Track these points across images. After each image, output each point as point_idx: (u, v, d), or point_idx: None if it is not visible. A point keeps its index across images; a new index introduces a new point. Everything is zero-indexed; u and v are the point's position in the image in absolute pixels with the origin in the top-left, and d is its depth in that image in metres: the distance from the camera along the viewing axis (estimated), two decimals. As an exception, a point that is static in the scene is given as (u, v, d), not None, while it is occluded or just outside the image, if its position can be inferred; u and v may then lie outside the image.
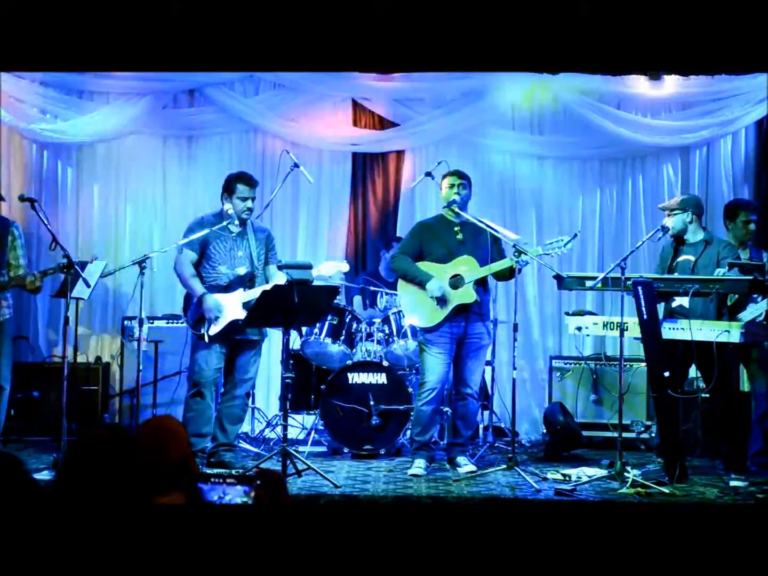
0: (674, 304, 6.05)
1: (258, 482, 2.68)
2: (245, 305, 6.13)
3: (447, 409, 6.76)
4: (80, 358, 7.58)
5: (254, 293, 6.09)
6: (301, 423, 7.54)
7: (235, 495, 2.67)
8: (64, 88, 7.96)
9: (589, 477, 5.87)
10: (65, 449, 5.63)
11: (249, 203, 6.28)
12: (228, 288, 6.23)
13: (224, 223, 6.21)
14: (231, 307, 6.16)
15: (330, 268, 6.50)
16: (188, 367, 6.41)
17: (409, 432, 6.65)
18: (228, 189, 6.31)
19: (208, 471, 5.37)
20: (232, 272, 6.26)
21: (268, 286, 5.97)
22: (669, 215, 6.19)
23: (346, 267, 6.73)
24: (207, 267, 6.27)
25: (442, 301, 6.13)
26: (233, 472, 5.51)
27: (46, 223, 5.99)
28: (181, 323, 6.95)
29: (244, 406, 6.49)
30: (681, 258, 6.18)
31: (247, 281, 6.27)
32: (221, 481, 2.69)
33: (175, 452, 2.96)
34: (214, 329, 6.15)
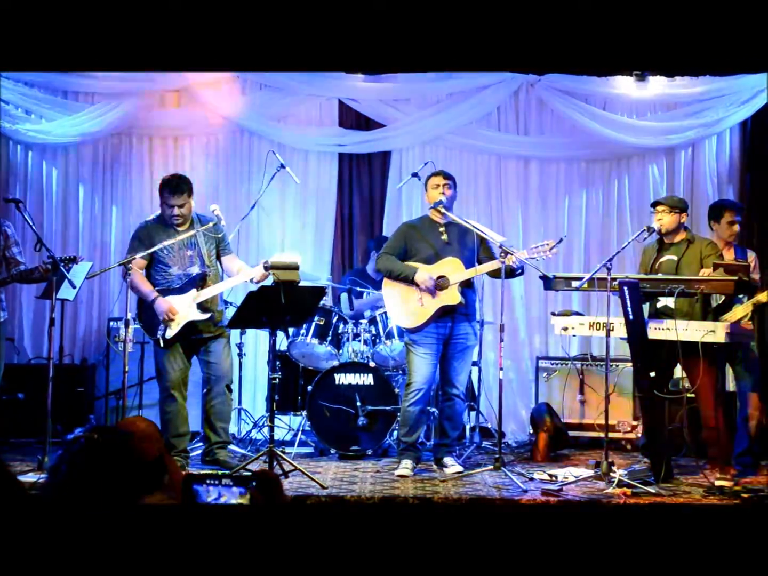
0: (659, 305, 6.07)
1: (254, 483, 2.67)
2: (200, 306, 6.08)
3: (434, 409, 6.77)
4: (65, 359, 7.56)
5: (208, 293, 6.07)
6: (288, 424, 7.52)
7: (231, 497, 2.66)
8: (49, 88, 7.92)
9: (576, 477, 5.88)
10: (55, 451, 5.59)
11: (175, 210, 6.07)
12: (181, 290, 6.11)
13: (193, 232, 6.13)
14: (185, 309, 6.06)
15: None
16: (155, 372, 6.35)
17: (395, 433, 6.65)
18: (159, 192, 6.20)
19: (204, 471, 5.31)
20: (183, 273, 6.14)
21: (248, 280, 5.92)
22: (666, 213, 6.11)
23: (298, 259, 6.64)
24: (158, 269, 6.15)
25: (432, 292, 6.11)
26: (227, 472, 5.44)
27: (31, 224, 5.97)
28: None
29: (228, 400, 6.36)
30: (664, 258, 6.18)
31: (198, 281, 6.12)
32: (217, 482, 2.67)
33: (149, 452, 2.95)
34: (170, 332, 6.07)
